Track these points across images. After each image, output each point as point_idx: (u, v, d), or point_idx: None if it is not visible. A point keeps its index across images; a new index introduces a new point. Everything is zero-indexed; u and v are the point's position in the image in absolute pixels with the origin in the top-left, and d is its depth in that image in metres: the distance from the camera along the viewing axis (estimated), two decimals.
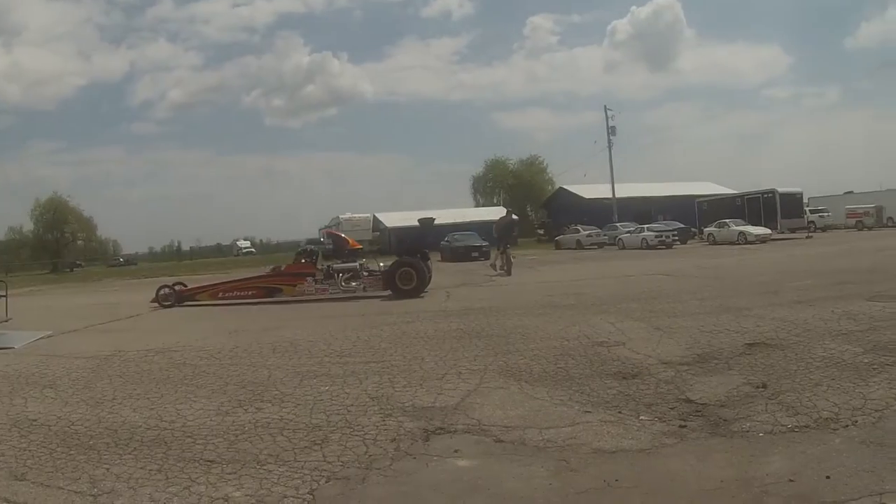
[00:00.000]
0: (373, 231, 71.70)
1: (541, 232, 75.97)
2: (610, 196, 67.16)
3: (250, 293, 20.32)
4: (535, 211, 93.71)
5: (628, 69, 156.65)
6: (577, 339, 10.20)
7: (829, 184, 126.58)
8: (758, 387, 6.92)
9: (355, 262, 20.78)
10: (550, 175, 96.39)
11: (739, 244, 41.83)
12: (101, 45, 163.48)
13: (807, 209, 57.92)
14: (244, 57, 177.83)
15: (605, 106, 68.99)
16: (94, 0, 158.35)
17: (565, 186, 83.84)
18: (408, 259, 19.83)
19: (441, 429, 6.09)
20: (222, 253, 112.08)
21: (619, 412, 6.38)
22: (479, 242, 42.44)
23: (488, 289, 19.78)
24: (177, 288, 21.13)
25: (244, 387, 8.16)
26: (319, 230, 77.02)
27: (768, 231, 45.27)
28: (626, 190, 70.35)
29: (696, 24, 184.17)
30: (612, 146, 68.00)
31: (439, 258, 39.61)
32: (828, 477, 4.58)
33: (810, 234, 49.97)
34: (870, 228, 55.27)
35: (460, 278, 25.93)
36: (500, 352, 9.47)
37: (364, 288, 19.83)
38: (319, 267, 20.31)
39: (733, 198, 59.20)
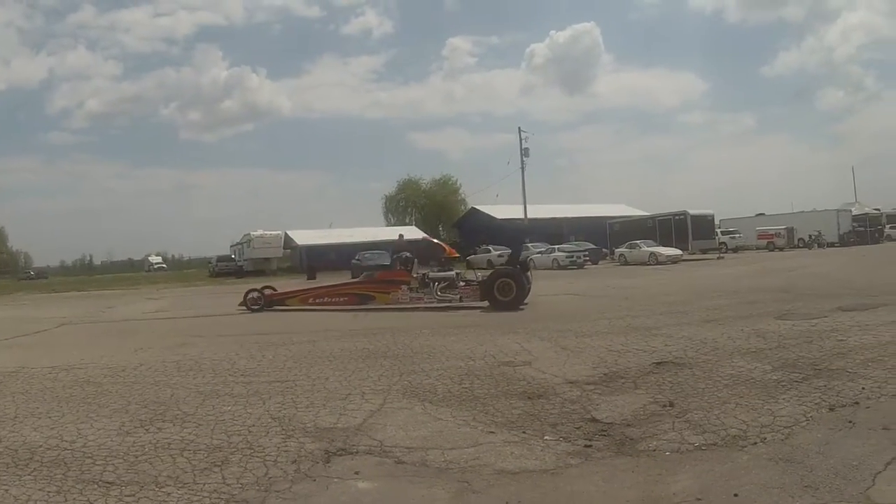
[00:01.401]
0: (284, 249, 71.41)
1: None
2: (522, 216, 67.98)
3: (343, 299, 20.59)
4: (448, 231, 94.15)
5: (545, 92, 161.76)
6: (483, 358, 10.28)
7: (742, 206, 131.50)
8: (665, 405, 7.04)
9: (452, 270, 20.61)
10: (463, 195, 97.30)
11: (651, 265, 42.79)
12: (20, 50, 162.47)
13: (718, 230, 59.94)
14: (163, 68, 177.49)
15: (519, 128, 70.09)
16: (15, 2, 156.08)
17: (478, 207, 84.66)
18: (507, 269, 19.65)
19: (343, 450, 6.04)
20: (134, 268, 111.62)
21: (524, 432, 6.40)
22: (389, 262, 42.69)
23: (396, 308, 19.73)
24: (266, 292, 21.81)
25: (146, 406, 8.03)
26: (231, 246, 77.31)
27: (679, 252, 46.48)
28: (538, 211, 71.35)
29: (613, 49, 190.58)
30: (526, 167, 69.12)
31: (350, 277, 39.72)
32: (736, 495, 4.66)
33: (721, 255, 51.52)
34: (781, 249, 57.44)
35: None
36: (405, 372, 9.50)
37: (461, 298, 19.64)
38: (415, 275, 20.25)
39: (645, 219, 60.61)
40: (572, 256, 45.91)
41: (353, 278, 34.56)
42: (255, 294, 21.41)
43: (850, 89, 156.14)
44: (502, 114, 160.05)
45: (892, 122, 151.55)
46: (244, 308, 21.01)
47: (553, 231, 66.34)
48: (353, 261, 47.05)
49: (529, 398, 7.69)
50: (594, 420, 6.71)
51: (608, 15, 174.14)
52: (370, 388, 8.56)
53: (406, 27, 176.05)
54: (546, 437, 6.22)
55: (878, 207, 74.54)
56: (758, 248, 59.89)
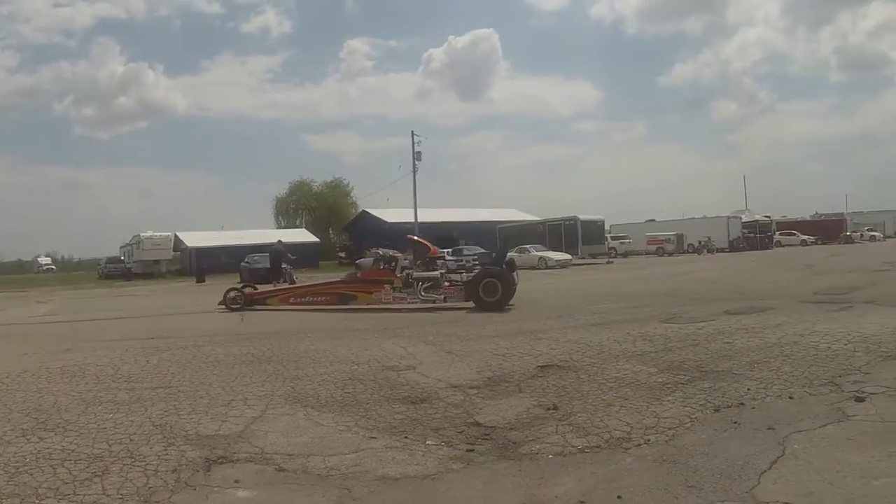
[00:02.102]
0: (174, 251, 70.42)
1: (342, 255, 76.54)
2: (413, 220, 68.29)
3: (324, 299, 20.57)
4: (338, 234, 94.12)
5: (440, 96, 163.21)
6: (367, 363, 10.25)
7: (634, 213, 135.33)
8: (549, 409, 7.09)
9: (436, 270, 20.16)
10: (354, 198, 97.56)
11: (540, 269, 43.43)
12: None
13: (608, 236, 61.54)
14: (59, 61, 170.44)
15: (412, 131, 70.21)
16: None
17: (368, 210, 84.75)
18: (493, 269, 19.26)
19: (223, 458, 5.92)
20: (23, 269, 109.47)
21: (406, 437, 6.37)
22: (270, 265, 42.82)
23: (283, 312, 19.67)
24: (246, 291, 21.90)
25: (28, 414, 7.76)
26: (120, 247, 77.37)
27: (569, 256, 47.61)
28: (429, 215, 71.67)
29: (511, 56, 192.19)
30: (417, 171, 69.34)
31: (238, 280, 39.29)
32: (619, 497, 4.69)
33: (611, 260, 52.73)
34: (670, 254, 59.10)
35: None
36: (289, 377, 9.40)
37: (445, 298, 19.38)
38: (398, 274, 19.93)
39: (535, 224, 61.78)
40: (462, 261, 46.24)
41: (241, 281, 34.28)
42: (235, 293, 21.41)
43: (744, 101, 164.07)
44: (397, 118, 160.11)
45: (784, 133, 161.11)
46: (223, 307, 20.89)
47: (444, 235, 66.85)
48: (242, 263, 47.22)
49: (412, 403, 7.68)
50: (477, 424, 6.71)
51: (508, 22, 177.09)
52: (253, 393, 8.46)
53: (305, 27, 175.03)
54: (428, 442, 6.20)
55: (768, 214, 77.71)
56: (648, 254, 61.51)
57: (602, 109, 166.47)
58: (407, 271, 19.95)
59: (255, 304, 21.04)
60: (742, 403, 6.95)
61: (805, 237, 70.88)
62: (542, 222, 60.43)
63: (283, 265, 32.53)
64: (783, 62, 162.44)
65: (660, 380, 8.17)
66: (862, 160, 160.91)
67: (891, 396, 6.98)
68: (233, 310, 20.50)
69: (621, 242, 62.46)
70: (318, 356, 11.10)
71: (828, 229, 74.67)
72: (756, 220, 70.41)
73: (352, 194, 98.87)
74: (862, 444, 5.53)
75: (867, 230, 78.71)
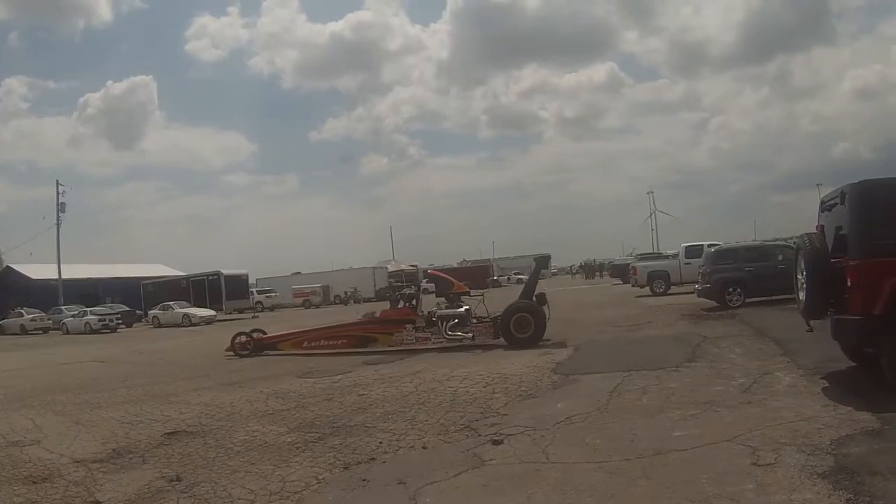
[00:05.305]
0: None
1: None
2: (57, 277, 64.34)
3: (341, 342, 18.73)
4: None
5: (94, 144, 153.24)
6: None
7: (281, 265, 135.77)
8: (171, 480, 6.85)
9: (462, 307, 18.06)
10: None
11: (185, 326, 42.46)
12: None
13: (254, 290, 61.42)
14: None
15: (57, 181, 66.54)
16: None
17: (12, 265, 78.42)
18: (523, 303, 17.56)
19: None
20: None
21: None
22: None
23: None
24: (255, 335, 19.99)
25: None
26: None
27: (213, 312, 46.79)
28: (74, 271, 67.86)
29: (167, 106, 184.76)
30: (62, 223, 65.66)
31: None
32: None
33: (256, 314, 52.53)
34: (317, 306, 60.02)
35: None
36: None
37: (473, 337, 17.45)
38: (420, 313, 18.16)
39: (179, 280, 60.34)
40: (104, 320, 44.23)
41: None
42: (244, 338, 19.59)
43: (395, 156, 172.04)
44: (49, 165, 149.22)
45: (434, 185, 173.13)
46: (231, 353, 19.09)
47: (89, 292, 63.52)
48: None
49: (34, 483, 7.16)
50: (97, 503, 6.35)
51: (167, 70, 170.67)
52: None
53: None
54: None
55: (415, 264, 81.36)
56: (295, 306, 62.06)
57: (254, 162, 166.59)
58: (430, 309, 18.61)
59: (265, 349, 19.22)
60: (373, 458, 7.10)
61: None
62: (186, 278, 59.26)
63: None
64: (435, 120, 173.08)
65: (289, 440, 8.18)
66: (510, 209, 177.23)
67: (528, 436, 7.45)
68: (241, 356, 18.86)
69: (268, 296, 62.65)
70: None
71: (475, 275, 79.46)
72: (402, 270, 73.59)
73: None
74: (499, 489, 5.82)
75: (514, 274, 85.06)
